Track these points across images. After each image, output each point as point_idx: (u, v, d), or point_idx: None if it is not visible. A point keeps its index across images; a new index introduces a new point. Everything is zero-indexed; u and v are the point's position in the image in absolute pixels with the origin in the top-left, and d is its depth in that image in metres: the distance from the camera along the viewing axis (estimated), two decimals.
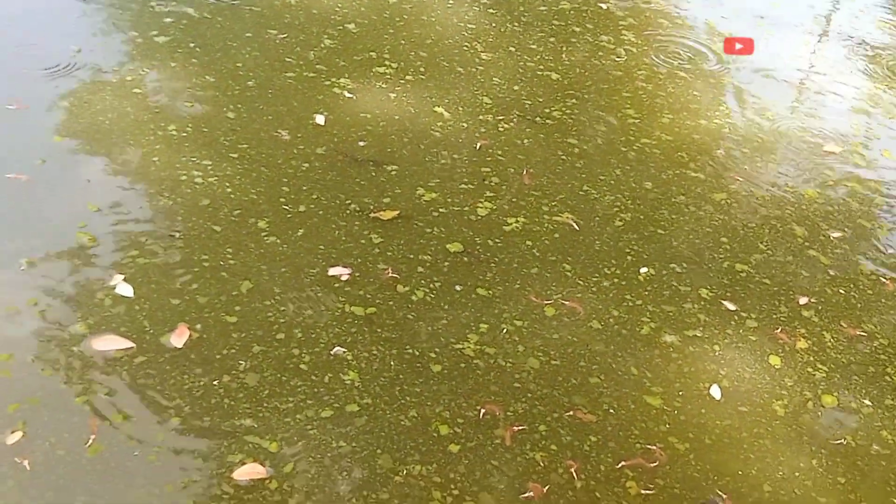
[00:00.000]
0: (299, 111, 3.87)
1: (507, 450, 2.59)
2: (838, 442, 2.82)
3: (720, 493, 2.58)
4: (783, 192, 3.97)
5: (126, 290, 2.82)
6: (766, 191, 3.95)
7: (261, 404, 2.56)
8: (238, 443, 2.45)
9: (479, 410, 2.69)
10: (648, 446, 2.68)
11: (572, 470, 2.57)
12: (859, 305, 3.39)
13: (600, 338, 3.03)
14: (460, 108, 4.11)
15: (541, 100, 4.29)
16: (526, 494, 2.48)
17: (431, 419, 2.63)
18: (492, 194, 3.61)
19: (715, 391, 2.89)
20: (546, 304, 3.12)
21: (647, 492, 2.56)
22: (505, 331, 2.98)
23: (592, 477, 2.57)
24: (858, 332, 3.25)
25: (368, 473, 2.44)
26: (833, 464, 2.74)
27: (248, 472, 2.38)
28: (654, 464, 2.64)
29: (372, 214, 3.37)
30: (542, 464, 2.58)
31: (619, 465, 2.62)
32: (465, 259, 3.24)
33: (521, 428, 2.66)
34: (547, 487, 2.51)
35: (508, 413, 2.71)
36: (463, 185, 3.63)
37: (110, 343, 2.62)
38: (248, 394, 2.59)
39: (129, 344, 2.65)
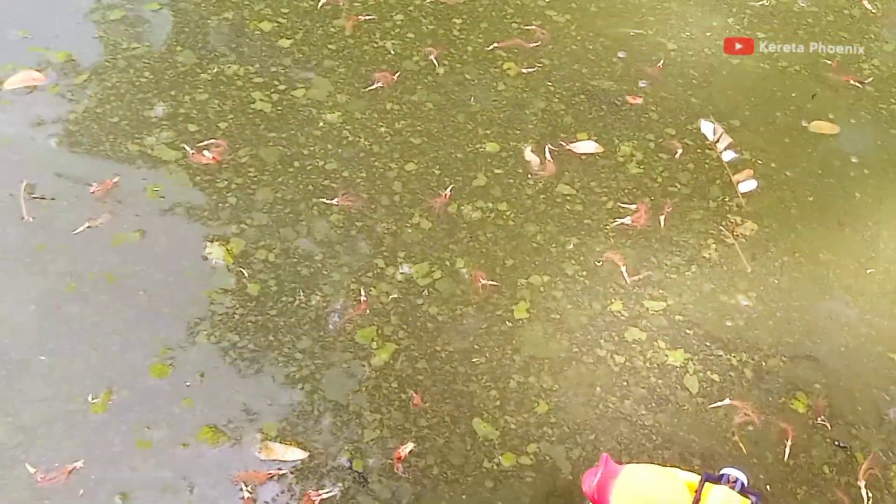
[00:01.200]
0: None
1: (348, 39, 2.13)
2: (761, 3, 2.32)
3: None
4: None
5: None
6: None
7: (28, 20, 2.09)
8: (10, 53, 2.00)
9: (318, 2, 2.20)
10: (525, 27, 2.20)
11: (432, 57, 2.12)
12: None
13: None
14: None
15: None
16: (372, 87, 2.03)
17: (250, 19, 2.15)
18: None
19: None
20: None
21: (529, 70, 2.11)
22: None
23: (459, 60, 2.12)
24: None
25: (172, 74, 2.00)
26: (753, 23, 2.27)
27: (22, 79, 1.95)
28: (535, 44, 2.18)
29: None
30: (393, 52, 2.12)
31: (492, 47, 2.16)
32: None
33: (368, 18, 2.18)
34: (398, 74, 2.06)
35: (355, 3, 2.22)
36: None
37: None
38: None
39: None
